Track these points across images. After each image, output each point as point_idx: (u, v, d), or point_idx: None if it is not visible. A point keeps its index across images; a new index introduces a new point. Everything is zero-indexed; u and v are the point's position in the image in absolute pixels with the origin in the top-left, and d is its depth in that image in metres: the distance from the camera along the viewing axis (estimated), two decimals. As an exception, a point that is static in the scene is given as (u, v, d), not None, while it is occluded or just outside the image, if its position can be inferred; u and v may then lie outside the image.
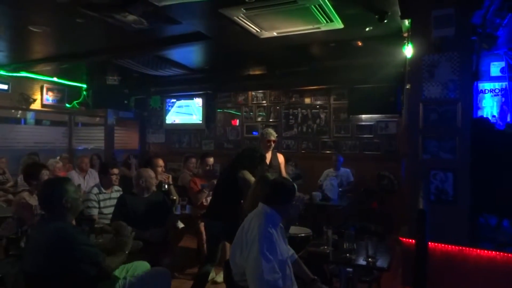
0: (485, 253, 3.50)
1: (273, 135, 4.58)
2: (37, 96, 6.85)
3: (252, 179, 3.42)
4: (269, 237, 2.06)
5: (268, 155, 4.59)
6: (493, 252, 3.48)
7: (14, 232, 3.09)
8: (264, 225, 2.10)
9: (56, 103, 7.14)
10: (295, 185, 2.42)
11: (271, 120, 7.38)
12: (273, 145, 4.58)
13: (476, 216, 3.76)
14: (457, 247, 3.60)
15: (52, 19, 4.11)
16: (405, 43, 4.04)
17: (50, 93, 7.04)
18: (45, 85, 6.91)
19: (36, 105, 6.87)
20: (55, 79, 6.99)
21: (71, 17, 3.81)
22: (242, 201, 3.61)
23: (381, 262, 2.51)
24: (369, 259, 2.52)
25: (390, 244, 3.01)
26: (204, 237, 4.21)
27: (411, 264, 2.22)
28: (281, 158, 4.75)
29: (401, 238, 3.89)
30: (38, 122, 8.08)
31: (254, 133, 7.54)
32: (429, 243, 3.31)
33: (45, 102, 6.95)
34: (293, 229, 3.23)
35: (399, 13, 3.59)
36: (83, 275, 2.11)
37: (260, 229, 2.08)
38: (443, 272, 3.54)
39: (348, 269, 2.73)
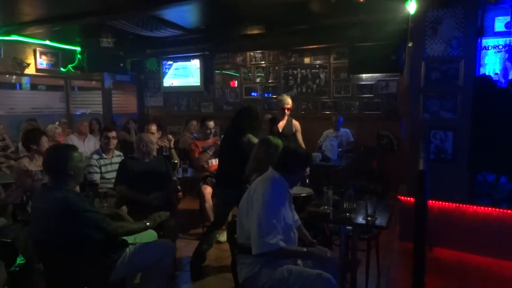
0: (481, 209, 3.60)
1: (288, 102, 4.48)
2: (31, 60, 6.71)
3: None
4: (272, 203, 2.10)
5: (282, 123, 4.52)
6: (489, 208, 3.58)
7: (19, 198, 3.15)
8: (269, 190, 2.13)
9: (51, 67, 7.01)
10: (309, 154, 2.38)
11: (270, 81, 7.28)
12: (287, 112, 4.50)
13: (475, 173, 3.83)
14: (454, 204, 3.70)
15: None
16: (408, -2, 3.90)
17: (44, 57, 6.89)
18: (38, 48, 6.75)
19: (31, 70, 6.74)
20: (48, 42, 6.81)
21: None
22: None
23: (380, 221, 2.56)
24: (368, 218, 2.58)
25: (388, 202, 3.07)
26: (206, 198, 4.30)
27: (409, 221, 2.28)
28: (296, 125, 4.67)
29: (399, 197, 3.99)
30: (33, 87, 7.97)
31: (253, 94, 7.47)
32: (428, 200, 3.38)
33: (39, 67, 6.81)
34: (296, 189, 3.27)
35: (403, -34, 3.44)
36: (90, 240, 2.16)
37: (265, 194, 2.11)
38: (440, 228, 3.66)
39: (348, 227, 2.80)
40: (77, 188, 2.85)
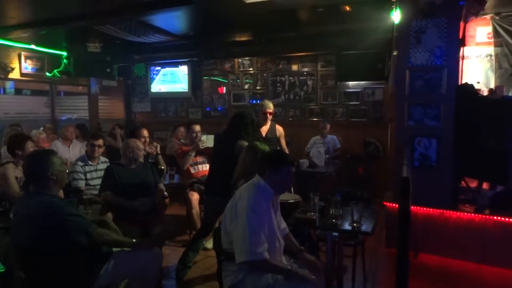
0: (464, 215, 3.67)
1: (269, 107, 4.49)
2: (15, 64, 6.59)
3: None
4: (257, 210, 2.08)
5: (265, 127, 4.53)
6: (472, 214, 3.65)
7: (1, 204, 3.08)
8: (253, 197, 2.12)
9: (36, 72, 6.89)
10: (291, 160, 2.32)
11: (258, 87, 7.31)
12: (269, 117, 4.52)
13: (458, 180, 3.90)
14: (438, 210, 3.76)
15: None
16: (393, 8, 3.99)
17: (29, 61, 6.77)
18: (23, 53, 6.64)
19: (15, 74, 6.62)
20: (33, 46, 6.71)
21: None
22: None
23: (365, 227, 2.58)
24: (354, 224, 2.59)
25: (374, 208, 3.10)
26: (193, 204, 4.26)
27: (394, 227, 2.31)
28: (280, 130, 4.67)
29: (385, 203, 4.03)
30: (18, 91, 7.83)
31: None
32: (412, 207, 3.42)
33: (24, 71, 6.70)
34: (283, 196, 3.27)
35: (388, -23, 3.52)
36: (75, 246, 2.12)
37: (249, 201, 2.10)
38: (426, 234, 3.71)
39: (334, 233, 2.81)
40: (61, 194, 2.81)
